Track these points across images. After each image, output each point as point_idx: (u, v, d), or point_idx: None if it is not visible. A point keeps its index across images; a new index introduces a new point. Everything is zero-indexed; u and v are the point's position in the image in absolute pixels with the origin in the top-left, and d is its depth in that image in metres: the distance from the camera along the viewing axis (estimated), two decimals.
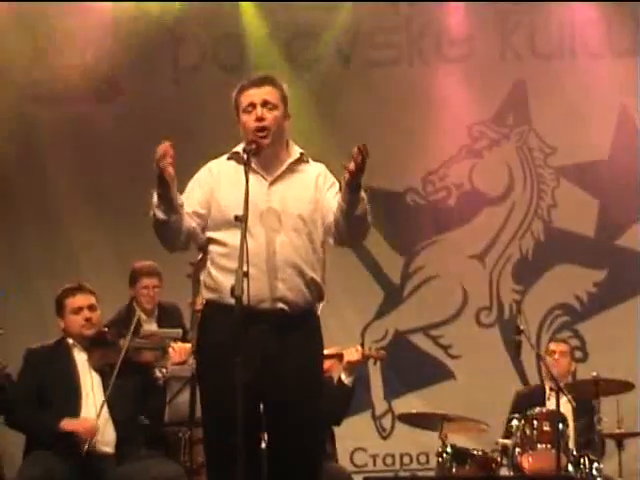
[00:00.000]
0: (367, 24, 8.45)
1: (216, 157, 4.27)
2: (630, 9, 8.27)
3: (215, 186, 4.13)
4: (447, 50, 8.43)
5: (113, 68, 8.36)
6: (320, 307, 4.18)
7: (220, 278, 4.03)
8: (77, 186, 8.33)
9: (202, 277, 4.14)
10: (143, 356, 5.50)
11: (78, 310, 5.51)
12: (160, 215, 4.00)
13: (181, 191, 4.12)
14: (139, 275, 6.80)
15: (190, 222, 4.09)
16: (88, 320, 5.48)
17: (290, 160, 4.17)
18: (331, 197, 4.11)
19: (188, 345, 5.64)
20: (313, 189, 4.13)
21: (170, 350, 5.63)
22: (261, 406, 4.05)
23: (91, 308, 5.53)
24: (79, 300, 5.53)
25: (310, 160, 4.23)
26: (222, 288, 3.98)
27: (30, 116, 8.37)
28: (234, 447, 3.69)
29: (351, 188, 3.92)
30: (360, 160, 3.83)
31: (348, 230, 4.06)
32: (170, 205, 3.99)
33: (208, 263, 4.11)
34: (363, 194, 3.99)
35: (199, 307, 5.94)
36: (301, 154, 4.20)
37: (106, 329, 5.61)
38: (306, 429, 4.04)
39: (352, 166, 3.85)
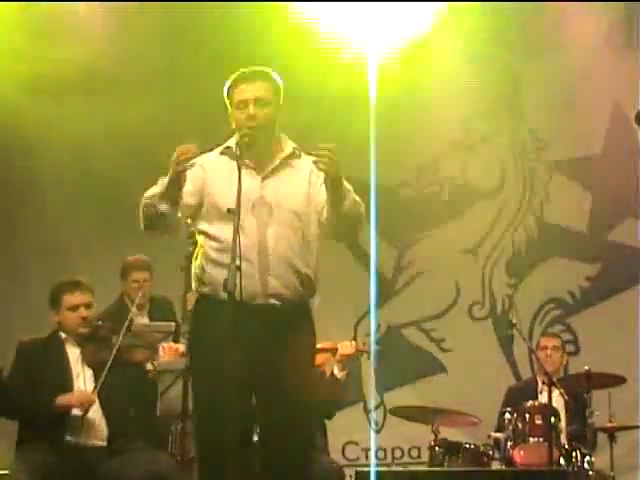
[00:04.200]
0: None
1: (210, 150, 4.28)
2: (625, 3, 8.26)
3: (207, 181, 4.13)
4: (441, 44, 8.42)
5: (108, 62, 8.35)
6: (313, 302, 4.18)
7: (213, 272, 4.04)
8: (70, 180, 8.31)
9: (194, 270, 4.14)
10: (135, 355, 5.49)
11: (75, 308, 5.47)
12: (162, 208, 4.03)
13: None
14: (130, 269, 6.80)
15: (177, 212, 4.11)
16: (84, 319, 5.46)
17: (283, 155, 4.16)
18: (325, 192, 4.12)
19: (180, 346, 5.64)
20: (306, 185, 4.13)
21: (160, 350, 5.62)
22: (253, 400, 4.07)
23: (88, 306, 5.50)
24: (77, 298, 5.48)
25: (302, 154, 4.22)
26: (215, 282, 3.98)
27: (24, 109, 8.34)
28: (225, 441, 3.69)
29: (329, 187, 3.99)
30: (324, 163, 3.92)
31: (341, 226, 4.10)
32: (174, 202, 4.03)
33: (200, 256, 4.11)
34: (348, 188, 4.03)
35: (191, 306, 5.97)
36: (294, 148, 4.20)
37: (100, 322, 5.60)
38: (295, 424, 4.05)
39: (322, 168, 3.94)
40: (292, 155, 4.18)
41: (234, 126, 4.13)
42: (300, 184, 4.13)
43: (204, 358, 4.05)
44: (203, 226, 4.12)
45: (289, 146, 4.19)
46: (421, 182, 8.48)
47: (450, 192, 8.46)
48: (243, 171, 3.96)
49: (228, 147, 4.13)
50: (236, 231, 3.81)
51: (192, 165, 3.98)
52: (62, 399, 5.26)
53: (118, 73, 8.31)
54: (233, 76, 4.16)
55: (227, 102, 4.16)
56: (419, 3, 8.29)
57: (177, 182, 3.97)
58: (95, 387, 5.29)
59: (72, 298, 5.48)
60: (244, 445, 3.96)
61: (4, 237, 8.23)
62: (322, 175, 4.15)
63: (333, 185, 3.99)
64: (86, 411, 5.23)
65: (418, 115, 8.36)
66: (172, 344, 5.67)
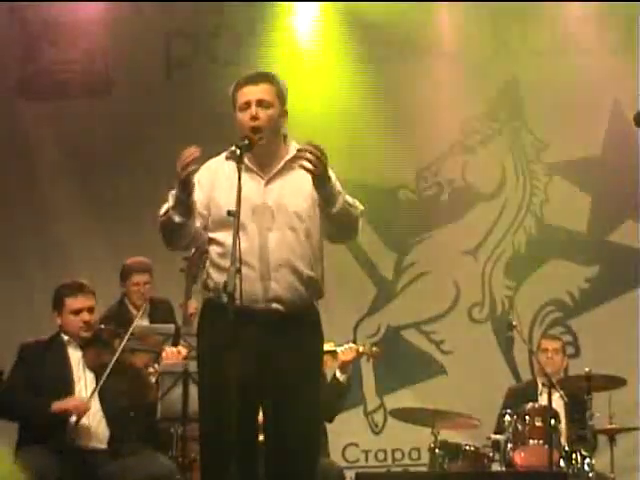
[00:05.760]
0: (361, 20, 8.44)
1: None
2: (623, 5, 8.26)
3: (214, 186, 4.12)
4: (440, 46, 8.42)
5: (106, 63, 8.35)
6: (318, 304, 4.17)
7: (217, 277, 4.04)
8: (70, 180, 8.31)
9: (203, 277, 4.15)
10: (137, 358, 5.49)
11: (78, 312, 5.46)
12: (177, 219, 4.01)
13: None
14: (130, 271, 6.78)
15: (196, 223, 4.11)
16: (86, 323, 5.46)
17: (287, 157, 4.16)
18: None
19: (182, 350, 5.64)
20: (310, 185, 4.12)
21: (163, 354, 5.62)
22: (259, 405, 4.06)
23: (90, 310, 5.49)
24: (80, 301, 5.47)
25: None
26: (218, 287, 3.97)
27: (21, 110, 8.35)
28: (229, 445, 3.69)
29: (317, 187, 3.97)
30: (309, 161, 3.90)
31: (333, 227, 4.10)
32: (188, 209, 4.01)
33: (208, 263, 4.12)
34: (338, 189, 4.02)
35: (192, 311, 5.99)
36: (298, 150, 4.19)
37: (102, 326, 5.60)
38: (304, 427, 4.04)
39: (306, 166, 3.92)
40: (296, 157, 4.17)
41: (238, 128, 4.13)
42: (304, 185, 4.10)
43: (208, 363, 4.06)
44: (210, 232, 4.12)
45: (293, 148, 4.18)
46: (421, 184, 8.47)
47: (450, 194, 8.46)
48: (247, 175, 3.96)
49: (233, 151, 4.13)
50: (236, 234, 3.80)
51: (196, 170, 3.96)
52: (58, 405, 5.24)
53: (118, 74, 8.34)
54: (237, 79, 4.17)
55: (232, 105, 4.16)
56: (418, 3, 8.31)
57: (186, 188, 3.95)
58: (92, 394, 5.27)
59: (75, 302, 5.47)
60: (248, 451, 3.95)
61: (5, 238, 8.23)
62: None
63: (318, 186, 3.98)
64: (79, 418, 5.21)
65: (417, 117, 8.35)
66: (173, 348, 5.67)
